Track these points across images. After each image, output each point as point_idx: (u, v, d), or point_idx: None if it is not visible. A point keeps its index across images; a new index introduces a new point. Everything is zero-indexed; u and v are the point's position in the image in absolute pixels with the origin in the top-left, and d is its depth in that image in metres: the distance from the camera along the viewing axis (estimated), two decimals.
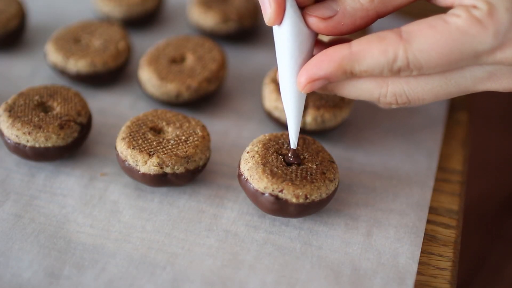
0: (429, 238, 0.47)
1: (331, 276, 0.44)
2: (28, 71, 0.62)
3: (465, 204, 0.53)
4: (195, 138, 0.49)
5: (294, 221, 0.48)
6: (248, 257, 0.45)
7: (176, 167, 0.47)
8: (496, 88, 0.43)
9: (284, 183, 0.44)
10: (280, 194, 0.44)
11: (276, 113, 0.54)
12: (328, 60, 0.42)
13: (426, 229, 0.48)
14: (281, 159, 0.46)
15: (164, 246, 0.46)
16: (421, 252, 0.46)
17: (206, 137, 0.49)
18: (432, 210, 0.50)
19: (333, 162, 0.47)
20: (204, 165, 0.49)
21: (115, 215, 0.48)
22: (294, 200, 0.44)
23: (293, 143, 0.46)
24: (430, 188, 0.51)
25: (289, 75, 0.44)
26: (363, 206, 0.49)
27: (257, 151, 0.46)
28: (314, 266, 0.45)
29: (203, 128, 0.50)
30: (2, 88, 0.59)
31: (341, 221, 0.48)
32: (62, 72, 0.59)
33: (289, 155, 0.46)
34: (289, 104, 0.45)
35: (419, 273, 0.45)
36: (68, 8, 0.71)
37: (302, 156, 0.47)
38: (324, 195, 0.45)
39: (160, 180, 0.48)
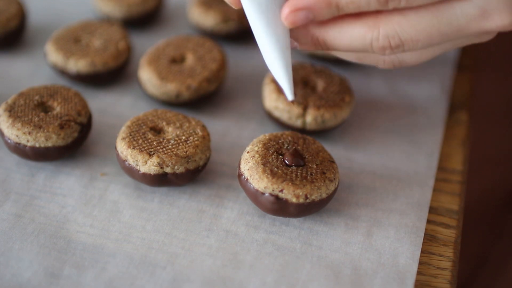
0: (429, 238, 0.47)
1: (331, 276, 0.44)
2: (28, 71, 0.62)
3: (466, 201, 0.53)
4: (195, 138, 0.49)
5: (294, 221, 0.48)
6: (248, 257, 0.45)
7: (176, 167, 0.47)
8: (489, 27, 0.42)
9: (284, 183, 0.44)
10: (280, 194, 0.44)
11: (276, 113, 0.54)
12: None
13: (426, 229, 0.48)
14: (281, 159, 0.46)
15: (164, 246, 0.46)
16: (421, 252, 0.46)
17: (206, 137, 0.49)
18: (432, 210, 0.50)
19: (333, 162, 0.47)
20: (204, 165, 0.49)
21: (115, 215, 0.48)
22: (294, 200, 0.44)
23: (290, 95, 0.43)
24: (430, 188, 0.51)
25: (266, 25, 0.43)
26: (363, 206, 0.49)
27: (257, 151, 0.46)
28: (314, 266, 0.45)
29: (203, 128, 0.50)
30: (2, 88, 0.59)
31: (341, 221, 0.48)
32: (62, 72, 0.59)
33: (288, 159, 0.46)
34: (274, 57, 0.43)
35: (419, 273, 0.45)
36: (68, 8, 0.71)
37: (302, 156, 0.47)
38: (324, 195, 0.45)
39: (160, 180, 0.48)
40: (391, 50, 0.43)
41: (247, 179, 0.46)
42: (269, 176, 0.44)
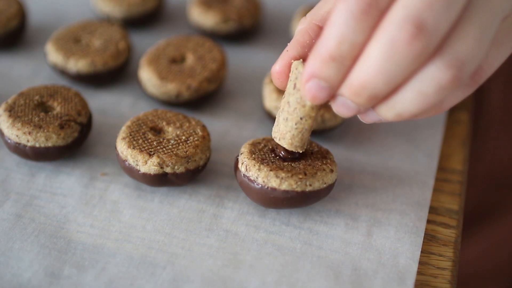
0: (429, 238, 0.47)
1: (331, 276, 0.44)
2: (29, 71, 0.62)
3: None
4: (195, 138, 0.49)
5: (294, 221, 0.48)
6: (248, 257, 0.45)
7: (176, 167, 0.47)
8: None
9: (282, 173, 0.44)
10: (277, 185, 0.44)
11: (276, 113, 0.54)
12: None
13: (426, 229, 0.48)
14: (275, 155, 0.47)
15: (164, 246, 0.46)
16: (421, 251, 0.46)
17: (206, 137, 0.49)
18: (432, 210, 0.50)
19: (331, 155, 0.48)
20: (204, 165, 0.49)
21: (115, 215, 0.48)
22: (292, 189, 0.44)
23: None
24: (430, 187, 0.51)
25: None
26: (363, 206, 0.49)
27: (249, 151, 0.47)
28: (314, 266, 0.45)
29: (203, 128, 0.50)
30: (2, 88, 0.59)
31: (341, 221, 0.48)
32: (62, 72, 0.59)
33: (283, 152, 0.47)
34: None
35: (419, 272, 0.45)
36: (68, 8, 0.71)
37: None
38: (322, 185, 0.45)
39: (160, 180, 0.48)
40: (461, 71, 0.36)
41: (244, 174, 0.46)
42: (265, 168, 0.45)
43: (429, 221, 0.49)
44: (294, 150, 0.44)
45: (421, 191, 0.51)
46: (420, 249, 0.46)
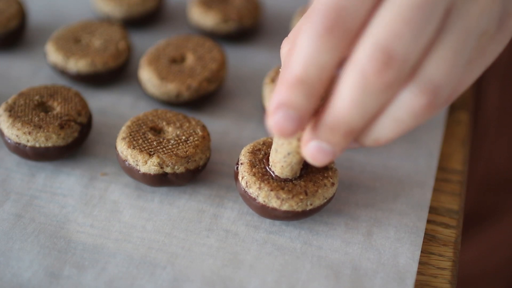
0: (429, 238, 0.47)
1: (331, 276, 0.44)
2: (29, 71, 0.62)
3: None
4: (195, 138, 0.49)
5: (294, 221, 0.48)
6: (248, 257, 0.45)
7: (176, 167, 0.47)
8: None
9: (282, 194, 0.44)
10: (278, 206, 0.44)
11: None
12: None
13: (426, 229, 0.48)
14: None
15: (164, 246, 0.46)
16: (421, 251, 0.46)
17: (206, 137, 0.49)
18: (432, 210, 0.50)
19: (332, 162, 0.47)
20: (204, 165, 0.49)
21: (115, 215, 0.48)
22: (292, 209, 0.44)
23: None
24: (430, 188, 0.51)
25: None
26: (363, 206, 0.49)
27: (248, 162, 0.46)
28: (314, 266, 0.45)
29: (203, 128, 0.50)
30: (2, 88, 0.59)
31: (341, 221, 0.48)
32: (62, 72, 0.59)
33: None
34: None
35: (419, 272, 0.45)
36: (68, 8, 0.71)
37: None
38: (323, 201, 0.45)
39: (161, 180, 0.48)
40: (434, 96, 0.35)
41: (244, 190, 0.45)
42: (267, 186, 0.44)
43: (429, 221, 0.49)
44: (284, 178, 0.44)
45: (421, 191, 0.51)
46: (420, 249, 0.46)
